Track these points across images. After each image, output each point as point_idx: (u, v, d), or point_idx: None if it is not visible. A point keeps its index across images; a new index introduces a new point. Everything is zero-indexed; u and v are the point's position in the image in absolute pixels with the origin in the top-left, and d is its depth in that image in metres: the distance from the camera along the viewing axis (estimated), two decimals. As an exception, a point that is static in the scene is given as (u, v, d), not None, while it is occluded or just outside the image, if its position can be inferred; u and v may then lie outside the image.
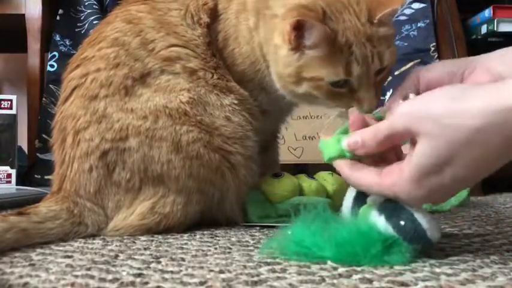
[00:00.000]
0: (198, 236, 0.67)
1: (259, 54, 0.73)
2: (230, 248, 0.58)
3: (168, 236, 0.67)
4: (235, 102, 0.73)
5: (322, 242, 0.50)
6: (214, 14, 0.75)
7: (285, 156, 1.02)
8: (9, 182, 1.26)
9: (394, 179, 0.48)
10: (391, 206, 0.51)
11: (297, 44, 0.63)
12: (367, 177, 0.51)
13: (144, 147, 0.67)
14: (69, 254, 0.55)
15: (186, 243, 0.61)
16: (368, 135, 0.51)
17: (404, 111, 0.48)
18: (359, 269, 0.47)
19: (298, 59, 0.64)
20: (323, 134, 0.57)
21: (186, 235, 0.68)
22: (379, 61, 0.63)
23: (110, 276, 0.44)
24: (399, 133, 0.48)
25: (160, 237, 0.66)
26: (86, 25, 1.61)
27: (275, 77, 0.70)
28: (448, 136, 0.44)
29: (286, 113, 0.84)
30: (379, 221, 0.50)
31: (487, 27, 1.36)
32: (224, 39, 0.75)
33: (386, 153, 0.53)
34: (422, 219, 0.49)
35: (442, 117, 0.45)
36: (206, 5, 0.75)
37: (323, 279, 0.43)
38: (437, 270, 0.46)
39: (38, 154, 1.53)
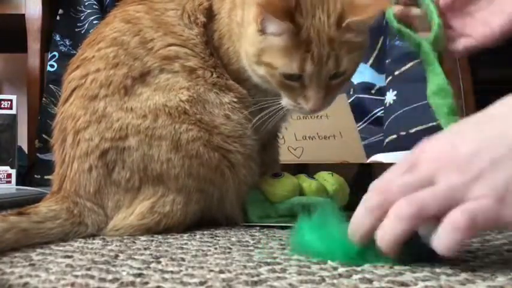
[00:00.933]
0: (198, 236, 0.67)
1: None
2: (230, 248, 0.58)
3: (168, 236, 0.67)
4: (235, 100, 0.73)
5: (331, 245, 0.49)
6: (210, 14, 0.76)
7: (285, 156, 1.02)
8: (9, 182, 1.26)
9: None
10: None
11: (262, 27, 0.66)
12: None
13: (143, 146, 0.67)
14: (69, 254, 0.55)
15: (186, 243, 0.61)
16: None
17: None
18: (359, 269, 0.47)
19: (261, 41, 0.67)
20: None
21: (186, 235, 0.68)
22: (335, 64, 0.65)
23: (110, 276, 0.44)
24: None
25: (160, 237, 0.66)
26: (86, 25, 1.61)
27: (243, 53, 0.72)
28: None
29: (285, 112, 0.84)
30: None
31: (487, 27, 1.36)
32: (219, 38, 0.75)
33: None
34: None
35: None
36: (201, 5, 0.75)
37: (323, 279, 0.43)
38: (437, 270, 0.46)
39: (38, 154, 1.53)
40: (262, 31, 0.66)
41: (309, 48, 0.64)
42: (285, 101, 0.70)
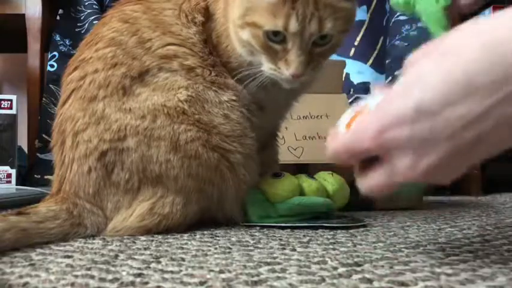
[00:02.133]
0: (198, 236, 0.67)
1: None
2: (230, 248, 0.58)
3: (168, 236, 0.67)
4: (234, 98, 0.73)
5: None
6: (207, 14, 0.76)
7: (285, 156, 1.02)
8: (9, 182, 1.26)
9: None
10: None
11: None
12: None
13: (142, 146, 0.67)
14: (69, 254, 0.55)
15: (186, 243, 0.61)
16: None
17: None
18: (359, 269, 0.47)
19: (248, 1, 0.67)
20: None
21: (186, 235, 0.68)
22: (318, 25, 0.65)
23: (110, 276, 0.44)
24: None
25: (160, 237, 0.66)
26: (86, 25, 1.61)
27: (231, 25, 0.72)
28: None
29: (284, 109, 0.83)
30: None
31: (487, 27, 1.36)
32: (217, 36, 0.75)
33: None
34: None
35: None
36: (198, 4, 0.76)
37: (323, 279, 0.43)
38: (437, 270, 0.46)
39: (38, 154, 1.53)
40: None
41: (294, 6, 0.64)
42: (266, 66, 0.70)
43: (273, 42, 0.67)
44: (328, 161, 0.50)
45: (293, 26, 0.64)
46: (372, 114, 0.45)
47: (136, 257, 0.53)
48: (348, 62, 1.56)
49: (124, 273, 0.46)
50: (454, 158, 0.41)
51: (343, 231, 0.70)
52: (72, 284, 0.42)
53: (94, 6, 1.63)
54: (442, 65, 0.41)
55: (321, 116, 1.15)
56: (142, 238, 0.66)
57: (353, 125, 0.47)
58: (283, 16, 0.64)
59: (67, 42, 1.62)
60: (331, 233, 0.69)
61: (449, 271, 0.45)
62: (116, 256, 0.53)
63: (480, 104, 0.39)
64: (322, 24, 0.65)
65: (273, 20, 0.65)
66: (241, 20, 0.69)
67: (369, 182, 0.46)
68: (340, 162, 0.48)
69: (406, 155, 0.42)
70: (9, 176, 1.26)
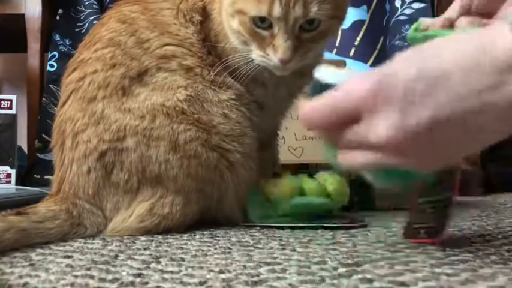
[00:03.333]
0: (198, 236, 0.67)
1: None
2: (230, 248, 0.58)
3: (168, 236, 0.67)
4: (233, 97, 0.73)
5: None
6: (205, 13, 0.76)
7: (285, 156, 1.02)
8: (9, 182, 1.26)
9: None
10: None
11: None
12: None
13: (141, 146, 0.67)
14: (69, 254, 0.55)
15: (186, 243, 0.61)
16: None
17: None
18: (359, 269, 0.47)
19: None
20: None
21: (186, 235, 0.68)
22: (302, 9, 0.65)
23: (109, 276, 0.44)
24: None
25: (160, 237, 0.66)
26: (86, 25, 1.61)
27: (224, 17, 0.72)
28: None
29: (284, 108, 0.83)
30: None
31: (487, 27, 1.36)
32: (215, 35, 0.76)
33: None
34: None
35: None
36: (196, 4, 0.76)
37: (323, 279, 0.43)
38: (437, 270, 0.46)
39: (37, 154, 1.53)
40: None
41: None
42: (255, 54, 0.70)
43: (260, 28, 0.67)
44: (302, 125, 0.48)
45: (277, 10, 0.65)
46: (363, 76, 0.44)
47: (136, 257, 0.53)
48: (348, 62, 1.56)
49: (124, 273, 0.46)
50: (441, 131, 0.41)
51: (343, 231, 0.70)
52: (72, 284, 0.42)
53: (94, 6, 1.63)
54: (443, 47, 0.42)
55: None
56: (142, 238, 0.66)
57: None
58: (267, 1, 0.65)
59: (67, 42, 1.62)
60: (331, 233, 0.69)
61: (449, 271, 0.45)
62: (116, 256, 0.53)
63: (479, 82, 0.39)
64: (307, 8, 0.65)
65: (257, 6, 0.66)
66: (231, 7, 0.69)
67: (344, 135, 0.44)
68: (312, 127, 0.46)
69: (395, 111, 0.41)
70: (9, 176, 1.26)
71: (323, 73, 0.49)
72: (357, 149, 0.44)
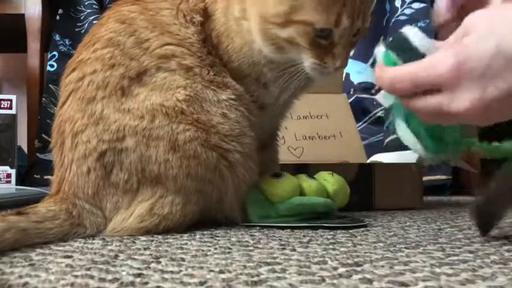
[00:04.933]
0: (198, 236, 0.67)
1: (250, 41, 0.73)
2: (230, 248, 0.58)
3: (168, 236, 0.67)
4: (232, 97, 0.73)
5: None
6: (206, 15, 0.76)
7: (285, 156, 1.02)
8: (9, 182, 1.26)
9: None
10: None
11: None
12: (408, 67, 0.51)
13: (141, 147, 0.67)
14: (69, 254, 0.55)
15: (186, 243, 0.61)
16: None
17: None
18: (359, 269, 0.47)
19: None
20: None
21: (186, 235, 0.68)
22: (362, 20, 0.68)
23: (109, 276, 0.44)
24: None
25: (160, 237, 0.66)
26: (86, 25, 1.61)
27: (256, 20, 0.71)
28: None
29: (285, 109, 0.83)
30: None
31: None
32: (217, 36, 0.75)
33: None
34: None
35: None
36: (196, 5, 0.76)
37: (323, 279, 0.43)
38: (437, 270, 0.46)
39: (37, 154, 1.53)
40: None
41: (345, 3, 0.66)
42: (310, 62, 0.70)
43: (320, 38, 0.68)
44: (380, 85, 0.54)
45: (345, 22, 0.66)
46: (446, 50, 0.49)
47: (136, 257, 0.53)
48: (348, 62, 1.56)
49: (124, 273, 0.46)
50: None
51: (343, 231, 0.70)
52: (72, 284, 0.42)
53: (94, 6, 1.63)
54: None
55: (321, 116, 1.15)
56: (142, 238, 0.66)
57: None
58: (336, 13, 0.66)
59: (67, 42, 1.62)
60: (331, 233, 0.69)
61: (449, 271, 0.45)
62: (116, 256, 0.53)
63: None
64: (364, 18, 0.68)
65: (325, 18, 0.66)
66: (282, 18, 0.68)
67: (426, 103, 0.50)
68: (393, 90, 0.52)
69: (476, 86, 0.47)
70: (9, 176, 1.26)
71: (413, 34, 0.53)
72: (435, 115, 0.50)
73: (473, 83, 0.46)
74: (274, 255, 0.53)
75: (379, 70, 0.54)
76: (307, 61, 0.70)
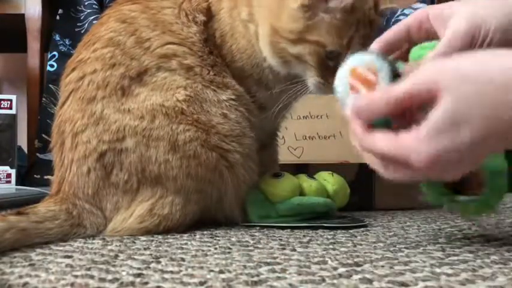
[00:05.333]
0: (198, 236, 0.67)
1: (256, 44, 0.74)
2: (230, 248, 0.58)
3: (168, 236, 0.67)
4: (232, 97, 0.73)
5: None
6: (209, 14, 0.76)
7: (285, 156, 1.02)
8: (9, 182, 1.25)
9: (411, 137, 0.44)
10: None
11: (316, 2, 0.66)
12: (382, 138, 0.46)
13: (141, 147, 0.67)
14: (69, 254, 0.55)
15: (186, 243, 0.61)
16: (378, 95, 0.47)
17: (432, 65, 0.46)
18: (359, 269, 0.47)
19: (309, 18, 0.67)
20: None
21: (186, 235, 0.68)
22: (370, 43, 0.67)
23: (109, 276, 0.44)
24: (421, 87, 0.44)
25: (160, 237, 0.66)
26: (86, 25, 1.61)
27: (267, 32, 0.71)
28: (467, 89, 0.42)
29: (285, 110, 0.83)
30: None
31: (487, 27, 1.36)
32: (221, 36, 0.75)
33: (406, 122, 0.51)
34: None
35: (467, 73, 0.43)
36: (199, 5, 0.75)
37: (323, 279, 0.43)
38: (437, 270, 0.46)
39: (37, 154, 1.53)
40: (312, 7, 0.66)
41: (358, 27, 0.67)
42: (315, 80, 0.70)
43: (329, 59, 0.68)
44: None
45: (355, 47, 0.67)
46: (417, 133, 0.44)
47: (136, 257, 0.53)
48: (348, 62, 1.56)
49: (124, 273, 0.46)
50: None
51: (343, 231, 0.70)
52: (72, 284, 0.42)
53: (94, 6, 1.63)
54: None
55: (321, 116, 1.15)
56: (142, 238, 0.66)
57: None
58: (348, 37, 0.67)
59: (67, 42, 1.62)
60: (331, 233, 0.69)
61: (449, 271, 0.45)
62: (116, 256, 0.53)
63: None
64: (371, 41, 0.67)
65: (338, 41, 0.67)
66: (296, 35, 0.68)
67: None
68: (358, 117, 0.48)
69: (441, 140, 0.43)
70: (9, 176, 1.26)
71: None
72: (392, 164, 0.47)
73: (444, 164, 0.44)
74: (274, 255, 0.53)
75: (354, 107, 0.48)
76: (312, 78, 0.70)
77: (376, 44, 0.58)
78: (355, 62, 0.51)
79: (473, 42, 0.51)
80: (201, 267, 0.48)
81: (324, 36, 0.67)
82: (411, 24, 0.57)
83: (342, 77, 0.51)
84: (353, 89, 0.50)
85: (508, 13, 0.51)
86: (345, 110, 0.50)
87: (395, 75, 0.49)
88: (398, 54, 0.59)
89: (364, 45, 0.66)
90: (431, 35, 0.56)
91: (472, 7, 0.52)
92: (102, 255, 0.54)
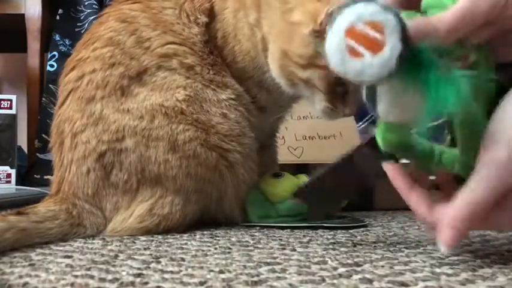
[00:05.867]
0: (198, 236, 0.67)
1: (261, 50, 0.73)
2: (230, 248, 0.58)
3: (168, 236, 0.67)
4: (232, 97, 0.73)
5: None
6: (212, 15, 0.75)
7: (285, 156, 1.02)
8: (9, 182, 1.25)
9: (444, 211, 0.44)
10: None
11: (323, 29, 0.64)
12: (420, 205, 0.48)
13: (140, 147, 0.67)
14: (69, 254, 0.55)
15: (186, 243, 0.61)
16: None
17: None
18: (359, 269, 0.47)
19: (321, 44, 0.65)
20: None
21: (186, 235, 0.68)
22: None
23: (109, 276, 0.44)
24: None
25: (160, 237, 0.66)
26: (86, 25, 1.61)
27: (276, 54, 0.70)
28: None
29: (284, 110, 0.83)
30: None
31: (487, 27, 1.36)
32: (223, 37, 0.75)
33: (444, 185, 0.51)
34: None
35: None
36: (202, 5, 0.75)
37: (323, 279, 0.43)
38: (437, 270, 0.46)
39: (37, 154, 1.53)
40: (319, 32, 0.63)
41: None
42: (322, 105, 0.70)
43: (338, 85, 0.67)
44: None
45: None
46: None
47: (136, 257, 0.53)
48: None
49: (124, 273, 0.46)
50: None
51: (343, 231, 0.70)
52: (72, 284, 0.42)
53: (94, 6, 1.63)
54: None
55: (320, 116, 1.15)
56: (142, 238, 0.66)
57: None
58: None
59: (67, 42, 1.62)
60: (331, 233, 0.69)
61: (449, 271, 0.45)
62: (116, 256, 0.53)
63: None
64: None
65: None
66: (305, 60, 0.67)
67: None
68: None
69: None
70: (9, 176, 1.26)
71: None
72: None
73: None
74: (274, 255, 0.53)
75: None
76: (320, 103, 0.70)
77: None
78: (352, 18, 0.39)
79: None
80: (201, 267, 0.48)
81: None
82: None
83: (336, 39, 0.40)
84: (353, 53, 0.39)
85: None
86: (347, 76, 0.40)
87: (405, 34, 0.39)
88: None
89: None
90: None
91: None
92: (102, 255, 0.54)
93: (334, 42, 0.40)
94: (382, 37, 0.38)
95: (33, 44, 1.51)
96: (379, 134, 0.48)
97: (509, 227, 0.45)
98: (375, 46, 0.39)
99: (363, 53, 0.39)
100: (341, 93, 0.68)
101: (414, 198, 0.49)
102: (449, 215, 0.43)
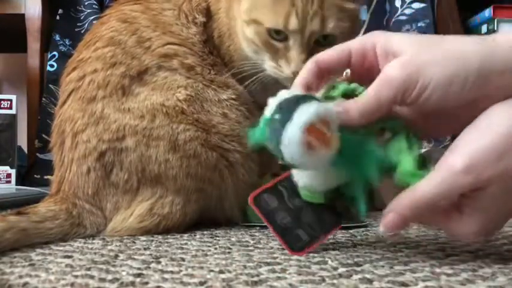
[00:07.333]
0: (198, 236, 0.67)
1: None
2: (230, 248, 0.58)
3: (168, 236, 0.67)
4: (233, 97, 0.73)
5: None
6: (209, 14, 0.76)
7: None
8: (9, 182, 1.25)
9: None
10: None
11: None
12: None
13: (141, 146, 0.67)
14: (69, 254, 0.55)
15: (186, 243, 0.61)
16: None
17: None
18: (359, 269, 0.47)
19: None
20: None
21: (186, 235, 0.68)
22: (320, 24, 0.65)
23: (109, 276, 0.44)
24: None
25: (160, 237, 0.66)
26: (86, 25, 1.61)
27: (239, 21, 0.71)
28: None
29: None
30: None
31: (487, 27, 1.36)
32: (219, 36, 0.76)
33: None
34: None
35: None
36: (199, 5, 0.76)
37: (323, 279, 0.43)
38: (437, 270, 0.46)
39: (37, 154, 1.53)
40: None
41: (294, 2, 0.64)
42: (268, 64, 0.70)
43: (275, 40, 0.67)
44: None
45: (293, 23, 0.64)
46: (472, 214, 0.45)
47: (136, 257, 0.53)
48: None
49: (124, 273, 0.46)
50: None
51: (343, 231, 0.70)
52: (72, 284, 0.42)
53: (94, 6, 1.63)
54: None
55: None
56: (142, 238, 0.66)
57: None
58: (284, 13, 0.64)
59: (67, 42, 1.62)
60: (331, 233, 0.69)
61: (449, 271, 0.45)
62: (116, 256, 0.53)
63: None
64: (324, 23, 0.65)
65: (273, 18, 0.65)
66: (246, 15, 0.69)
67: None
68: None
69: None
70: (9, 176, 1.26)
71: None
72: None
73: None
74: (274, 255, 0.53)
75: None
76: (266, 63, 0.70)
77: (312, 65, 0.51)
78: (311, 116, 0.42)
79: (405, 95, 0.45)
80: (201, 267, 0.48)
81: (262, 14, 0.66)
82: (356, 51, 0.50)
83: (293, 137, 0.42)
84: (310, 147, 0.43)
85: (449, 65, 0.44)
86: (299, 166, 0.46)
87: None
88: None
89: (306, 22, 0.64)
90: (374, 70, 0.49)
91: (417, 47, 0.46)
92: (102, 255, 0.54)
93: (294, 136, 0.43)
94: (329, 132, 0.44)
95: (33, 44, 1.51)
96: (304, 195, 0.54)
97: (466, 236, 0.46)
98: (326, 141, 0.44)
99: (318, 148, 0.43)
100: (282, 50, 0.67)
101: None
102: (398, 201, 0.46)
